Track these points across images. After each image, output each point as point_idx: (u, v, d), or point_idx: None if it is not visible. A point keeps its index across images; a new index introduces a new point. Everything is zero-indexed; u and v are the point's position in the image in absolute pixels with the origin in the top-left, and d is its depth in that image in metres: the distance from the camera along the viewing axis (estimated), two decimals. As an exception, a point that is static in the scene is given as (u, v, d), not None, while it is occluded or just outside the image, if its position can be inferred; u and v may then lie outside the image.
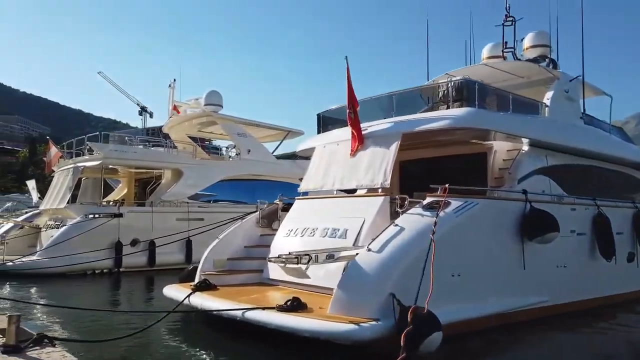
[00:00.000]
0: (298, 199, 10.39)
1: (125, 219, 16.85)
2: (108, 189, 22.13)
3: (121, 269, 16.52)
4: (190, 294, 8.36)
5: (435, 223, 6.69)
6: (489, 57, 13.70)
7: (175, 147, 20.89)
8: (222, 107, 21.00)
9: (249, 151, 20.75)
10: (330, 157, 10.02)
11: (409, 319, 5.81)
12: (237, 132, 20.71)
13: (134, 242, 17.13)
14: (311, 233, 8.88)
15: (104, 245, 16.33)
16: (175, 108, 21.18)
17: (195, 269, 10.11)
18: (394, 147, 8.72)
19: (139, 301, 12.47)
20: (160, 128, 23.79)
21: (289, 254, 7.16)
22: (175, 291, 9.10)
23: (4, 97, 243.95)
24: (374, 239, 7.07)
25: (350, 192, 10.14)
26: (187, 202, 18.56)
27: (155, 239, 17.14)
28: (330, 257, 7.01)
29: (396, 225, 7.11)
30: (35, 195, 22.86)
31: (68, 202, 17.14)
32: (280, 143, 23.17)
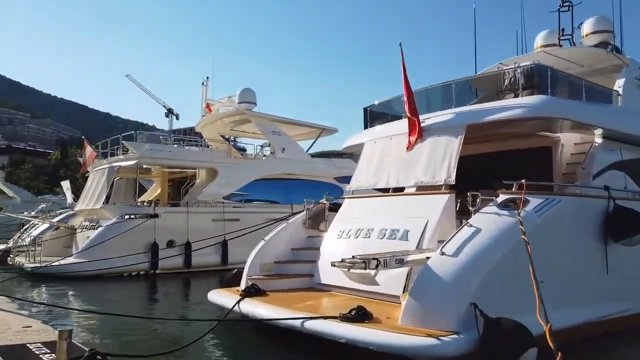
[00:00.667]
0: (347, 197, 9.74)
1: (161, 219, 16.53)
2: (140, 190, 21.96)
3: (157, 271, 16.19)
4: (240, 300, 7.81)
5: (521, 223, 5.93)
6: (544, 46, 12.75)
7: (208, 147, 20.54)
8: (256, 104, 20.55)
9: (284, 150, 20.23)
10: (383, 152, 9.33)
11: (496, 333, 5.11)
12: (272, 130, 20.22)
13: (170, 244, 16.80)
14: (366, 235, 8.22)
15: (140, 247, 16.06)
16: (208, 106, 20.81)
17: (240, 272, 9.59)
18: (459, 139, 7.98)
19: (180, 306, 12.02)
20: (191, 129, 23.47)
21: (353, 257, 6.50)
22: (221, 297, 8.58)
23: (36, 102, 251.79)
24: (445, 242, 6.35)
25: (399, 190, 9.43)
26: (223, 202, 18.15)
27: (192, 241, 16.81)
28: (400, 261, 6.33)
29: (471, 226, 6.38)
30: (69, 196, 22.92)
31: (103, 203, 16.92)
32: (315, 141, 22.60)
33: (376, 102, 10.95)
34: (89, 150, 17.95)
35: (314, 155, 22.65)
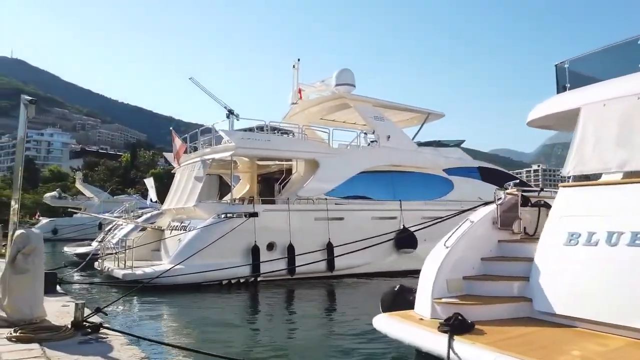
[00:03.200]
0: (564, 186, 6.84)
1: (261, 219, 14.34)
2: (223, 188, 19.99)
3: (259, 279, 14.03)
4: (450, 339, 5.18)
5: None
6: None
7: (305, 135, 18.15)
8: (355, 87, 17.98)
9: (389, 137, 17.52)
10: (625, 119, 6.36)
11: None
12: (374, 116, 17.59)
13: (270, 246, 14.62)
14: (619, 241, 5.38)
15: (239, 251, 13.98)
16: (300, 92, 18.50)
17: (405, 289, 7.09)
18: None
19: (338, 334, 9.00)
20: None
21: None
22: (404, 327, 6.03)
23: (106, 108, 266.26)
24: None
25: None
26: (326, 199, 15.74)
27: (295, 243, 14.57)
28: None
29: None
30: (153, 194, 21.57)
31: (197, 201, 14.99)
32: (421, 128, 19.69)
33: (579, 56, 7.97)
34: (178, 142, 16.15)
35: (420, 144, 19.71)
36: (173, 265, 12.77)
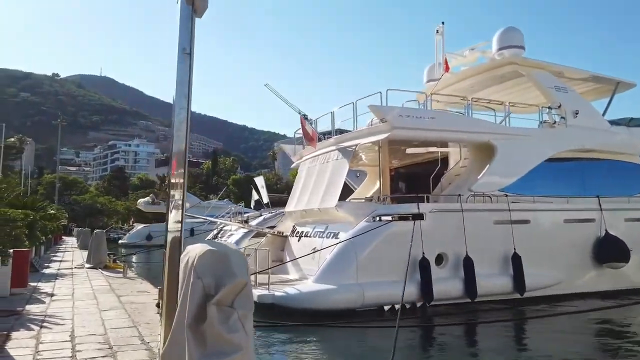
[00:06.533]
0: None
1: (428, 222, 10.67)
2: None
3: (432, 303, 10.33)
4: None
5: None
6: None
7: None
8: (525, 50, 13.85)
9: (576, 114, 13.20)
10: None
11: None
12: (556, 86, 13.33)
13: (440, 259, 10.91)
14: None
15: (400, 265, 10.41)
16: (446, 63, 14.67)
17: None
18: None
19: None
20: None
21: None
22: None
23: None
24: None
25: None
26: (506, 195, 11.78)
27: (471, 254, 10.76)
28: None
29: None
30: (265, 195, 18.83)
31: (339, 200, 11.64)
32: (610, 101, 15.02)
33: None
34: (309, 129, 12.94)
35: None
36: (323, 286, 9.50)
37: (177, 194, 2.99)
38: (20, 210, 12.29)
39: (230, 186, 78.77)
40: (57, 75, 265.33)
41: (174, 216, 2.94)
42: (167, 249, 2.93)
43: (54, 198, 43.06)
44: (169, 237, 2.91)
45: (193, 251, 2.57)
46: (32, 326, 5.76)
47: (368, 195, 15.41)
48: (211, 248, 2.53)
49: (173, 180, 3.01)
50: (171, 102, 3.13)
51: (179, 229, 2.93)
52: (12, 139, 77.33)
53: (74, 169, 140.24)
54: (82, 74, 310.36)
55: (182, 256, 2.90)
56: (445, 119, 11.85)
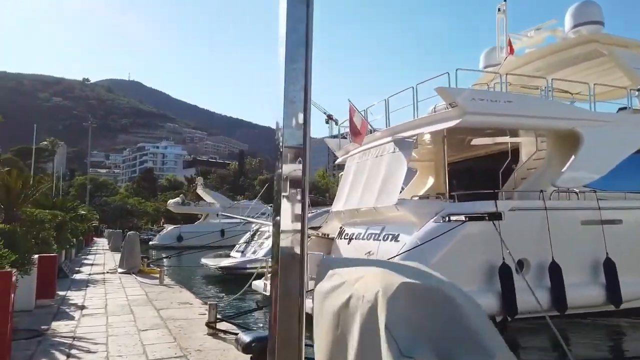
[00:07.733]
0: None
1: (506, 222, 9.17)
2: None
3: (516, 317, 8.83)
4: None
5: None
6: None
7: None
8: (604, 26, 12.17)
9: (668, 97, 11.45)
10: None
11: None
12: (642, 66, 11.62)
13: (521, 265, 9.39)
14: None
15: (476, 273, 8.96)
16: (510, 45, 13.08)
17: None
18: None
19: None
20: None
21: None
22: None
23: (211, 121, 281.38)
24: None
25: None
26: (594, 192, 10.15)
27: (558, 259, 9.20)
28: None
29: None
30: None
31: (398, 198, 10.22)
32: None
33: None
34: (359, 118, 11.52)
35: None
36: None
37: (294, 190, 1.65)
38: (48, 211, 11.40)
39: (257, 187, 78.16)
40: (87, 80, 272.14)
41: (288, 212, 1.62)
42: (278, 263, 1.62)
43: (85, 199, 42.94)
44: (282, 242, 1.60)
45: (356, 274, 1.28)
46: (57, 355, 4.60)
47: (420, 194, 13.94)
48: (405, 280, 1.22)
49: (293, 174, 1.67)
50: (196, 104, 1.82)
51: (300, 229, 1.61)
52: (45, 142, 78.54)
53: (104, 171, 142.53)
54: (111, 79, 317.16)
55: (319, 286, 1.61)
56: (525, 102, 10.25)
